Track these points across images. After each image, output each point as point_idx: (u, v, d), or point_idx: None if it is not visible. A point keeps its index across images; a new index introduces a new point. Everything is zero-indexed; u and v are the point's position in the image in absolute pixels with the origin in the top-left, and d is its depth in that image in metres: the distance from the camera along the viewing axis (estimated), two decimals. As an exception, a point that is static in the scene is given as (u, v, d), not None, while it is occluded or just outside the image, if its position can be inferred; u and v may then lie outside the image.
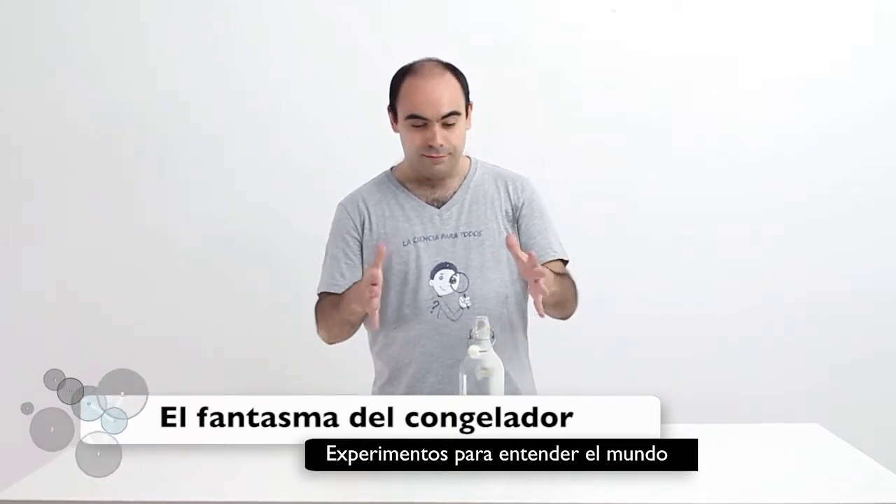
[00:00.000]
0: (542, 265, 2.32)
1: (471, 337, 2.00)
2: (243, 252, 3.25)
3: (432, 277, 2.32)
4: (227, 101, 3.23)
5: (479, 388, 1.97)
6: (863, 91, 3.24)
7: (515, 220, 2.39)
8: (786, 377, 3.26)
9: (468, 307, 2.31)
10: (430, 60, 2.33)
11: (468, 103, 2.33)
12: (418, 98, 2.26)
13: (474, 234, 2.35)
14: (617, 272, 3.24)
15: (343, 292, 2.31)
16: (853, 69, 3.23)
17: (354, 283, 2.28)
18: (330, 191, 3.25)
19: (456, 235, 2.35)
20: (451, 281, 2.32)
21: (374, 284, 2.09)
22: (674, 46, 3.22)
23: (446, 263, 2.33)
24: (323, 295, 2.37)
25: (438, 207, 2.37)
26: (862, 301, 3.27)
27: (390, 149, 3.20)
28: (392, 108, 2.36)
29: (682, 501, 1.75)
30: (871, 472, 1.88)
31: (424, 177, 2.35)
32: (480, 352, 1.98)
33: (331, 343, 2.39)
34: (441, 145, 2.26)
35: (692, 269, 3.25)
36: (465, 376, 1.98)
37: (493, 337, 2.02)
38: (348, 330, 2.35)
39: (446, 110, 2.26)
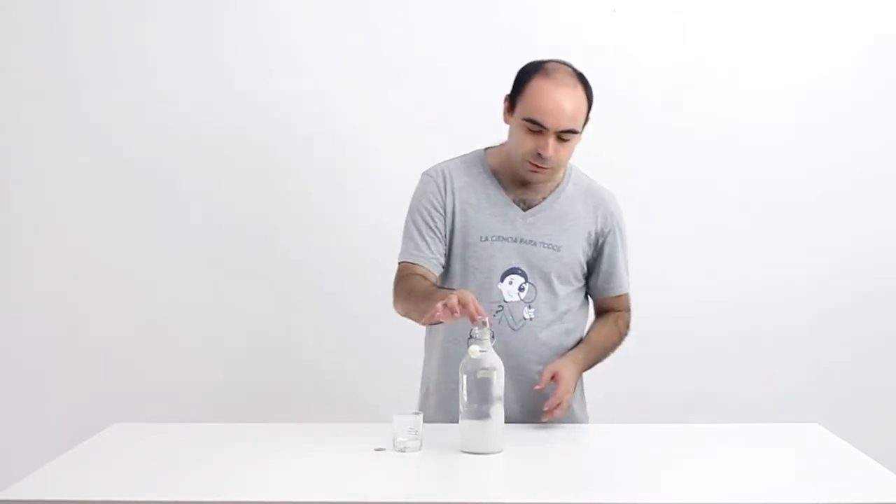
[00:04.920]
0: (612, 297, 2.38)
1: (471, 336, 2.00)
2: (243, 251, 3.24)
3: (502, 280, 2.26)
4: (224, 102, 3.21)
5: (479, 387, 1.98)
6: (863, 95, 3.23)
7: (597, 244, 2.33)
8: (786, 377, 3.26)
9: (531, 319, 2.25)
10: (564, 65, 2.21)
11: (587, 120, 2.22)
12: (543, 103, 2.14)
13: (553, 248, 2.26)
14: (617, 272, 3.24)
15: (438, 288, 2.18)
16: (853, 72, 3.22)
17: (444, 290, 2.11)
18: (329, 191, 3.27)
19: (535, 243, 2.26)
20: (521, 289, 2.26)
21: (447, 309, 1.94)
22: (674, 47, 3.21)
23: (518, 269, 2.26)
24: (404, 266, 2.27)
25: (524, 210, 2.28)
26: (862, 302, 3.27)
27: (389, 147, 3.21)
28: (511, 100, 2.22)
29: (683, 501, 1.75)
30: (871, 472, 1.88)
31: (519, 176, 2.26)
32: (481, 351, 1.98)
33: (404, 316, 2.25)
34: (550, 158, 2.16)
35: (692, 270, 3.24)
36: (465, 376, 1.98)
37: (493, 337, 2.02)
38: None
39: (566, 126, 2.15)
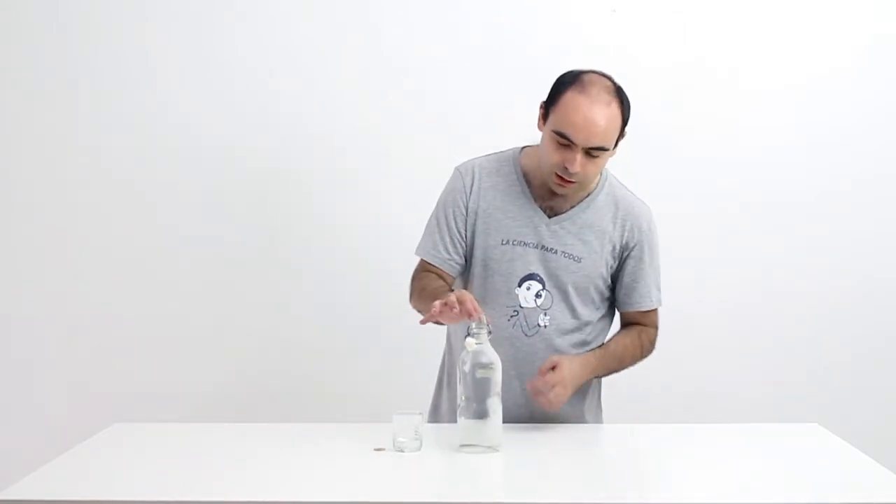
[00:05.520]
0: (637, 312, 2.32)
1: (469, 334, 2.00)
2: (243, 251, 3.24)
3: (519, 286, 2.23)
4: (225, 102, 3.21)
5: (478, 385, 1.97)
6: (863, 95, 3.23)
7: (621, 257, 2.28)
8: (786, 377, 3.26)
9: (545, 326, 2.23)
10: (601, 77, 2.16)
11: (621, 135, 2.16)
12: (574, 118, 2.09)
13: (574, 259, 2.23)
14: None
15: (449, 289, 2.17)
16: (853, 72, 3.22)
17: (451, 291, 2.10)
18: (329, 191, 3.27)
19: (556, 252, 2.22)
20: (538, 296, 2.23)
21: (447, 305, 1.96)
22: (674, 47, 3.21)
23: (536, 276, 2.23)
24: (421, 263, 2.27)
25: (550, 216, 2.24)
26: (862, 302, 3.27)
27: (389, 147, 3.21)
28: (545, 108, 2.18)
29: (683, 501, 1.75)
30: (871, 472, 1.88)
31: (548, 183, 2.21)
32: (477, 344, 1.98)
33: (417, 311, 2.22)
34: (576, 173, 2.11)
35: (692, 270, 3.24)
36: (464, 374, 1.98)
37: (490, 332, 2.01)
38: None
39: (596, 143, 2.09)
